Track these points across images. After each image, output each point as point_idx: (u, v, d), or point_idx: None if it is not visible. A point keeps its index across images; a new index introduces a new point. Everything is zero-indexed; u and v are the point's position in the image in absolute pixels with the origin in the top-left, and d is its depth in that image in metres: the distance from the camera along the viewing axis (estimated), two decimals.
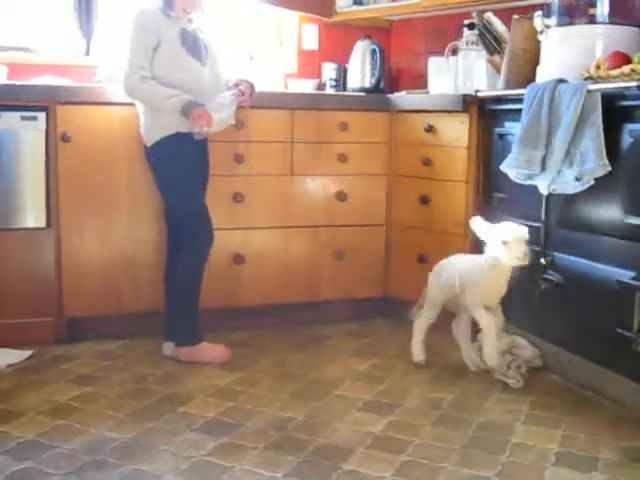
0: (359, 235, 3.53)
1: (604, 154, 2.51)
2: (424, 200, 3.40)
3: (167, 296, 2.98)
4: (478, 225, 2.74)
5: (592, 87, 2.58)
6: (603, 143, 2.52)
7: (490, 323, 2.73)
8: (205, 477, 2.04)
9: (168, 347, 2.99)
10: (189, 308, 2.94)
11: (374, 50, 3.86)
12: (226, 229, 3.27)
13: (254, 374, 2.84)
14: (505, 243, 2.61)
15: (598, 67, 2.69)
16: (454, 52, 3.68)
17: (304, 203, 3.42)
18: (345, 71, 4.03)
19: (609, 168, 2.51)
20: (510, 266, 2.67)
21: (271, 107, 3.34)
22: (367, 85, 3.87)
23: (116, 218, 3.15)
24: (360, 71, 3.90)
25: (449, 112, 3.29)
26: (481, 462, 2.15)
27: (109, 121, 3.10)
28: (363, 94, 3.70)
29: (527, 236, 2.66)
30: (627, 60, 2.59)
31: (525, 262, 2.62)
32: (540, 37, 3.02)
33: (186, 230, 2.90)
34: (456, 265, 2.86)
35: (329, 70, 4.08)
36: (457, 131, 3.28)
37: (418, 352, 2.94)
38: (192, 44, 2.87)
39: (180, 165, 2.86)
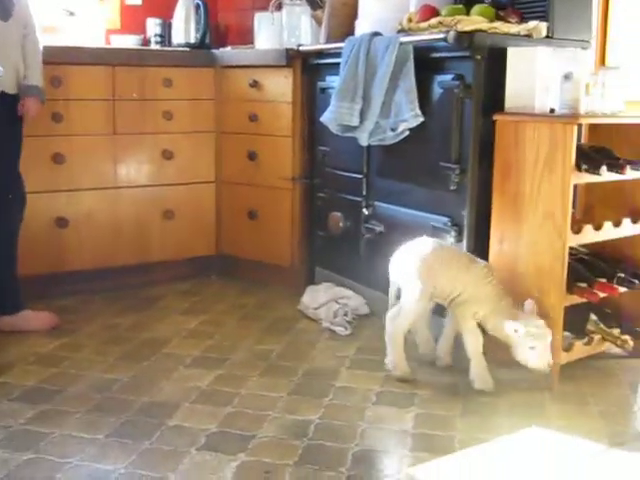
0: (188, 193, 3.48)
1: (417, 104, 2.60)
2: (252, 156, 3.39)
3: None
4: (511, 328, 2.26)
5: (404, 40, 2.66)
6: (416, 94, 2.61)
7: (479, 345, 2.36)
8: (21, 446, 1.95)
9: None
10: (6, 275, 2.79)
11: (198, 5, 3.78)
12: (46, 192, 3.14)
13: (80, 339, 2.76)
14: (533, 349, 2.23)
15: (410, 20, 2.77)
16: (279, 7, 3.68)
17: (129, 162, 3.33)
18: (170, 27, 3.93)
19: (422, 118, 2.60)
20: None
21: (90, 63, 3.20)
22: (192, 41, 3.78)
23: None
24: (184, 27, 3.81)
25: (273, 67, 3.29)
26: (305, 407, 2.20)
27: None
28: (187, 49, 3.62)
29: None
30: (435, 13, 2.69)
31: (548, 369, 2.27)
32: None
33: None
34: (465, 262, 2.37)
35: (153, 26, 3.95)
36: (281, 86, 3.28)
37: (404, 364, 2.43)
38: None
39: None
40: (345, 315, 2.87)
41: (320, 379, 2.41)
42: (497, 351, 2.44)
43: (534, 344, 2.22)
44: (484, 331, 2.37)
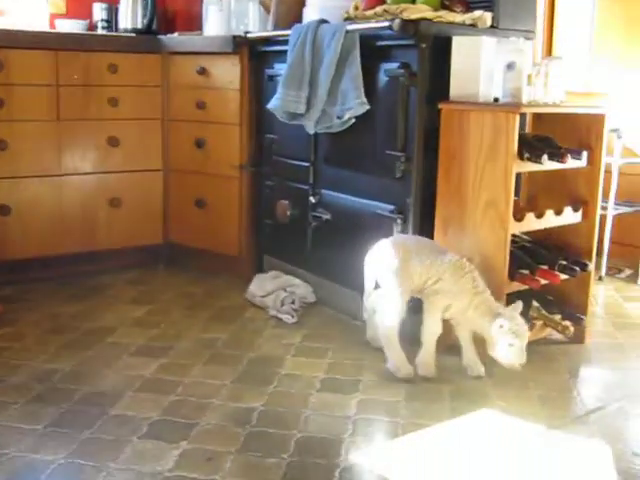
0: (135, 181, 3.44)
1: (362, 92, 2.60)
2: (199, 144, 3.36)
3: None
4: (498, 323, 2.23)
5: (350, 27, 2.65)
6: (362, 82, 2.61)
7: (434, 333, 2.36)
8: None
9: None
10: None
11: None
12: None
13: (22, 328, 2.71)
14: (511, 346, 2.23)
15: (356, 8, 2.77)
16: None
17: (74, 149, 3.27)
18: (117, 11, 3.86)
19: (368, 106, 2.60)
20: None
21: (33, 47, 3.13)
22: (139, 26, 3.73)
23: None
24: (132, 11, 3.76)
25: (220, 54, 3.26)
26: (248, 395, 2.20)
27: None
28: (133, 35, 3.56)
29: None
30: (381, 1, 2.69)
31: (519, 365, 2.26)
32: None
33: None
34: (440, 253, 2.35)
35: (99, 10, 3.89)
36: (229, 73, 3.26)
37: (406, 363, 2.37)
38: None
39: None
40: (292, 303, 2.86)
41: (265, 367, 2.41)
42: (441, 336, 2.46)
43: (513, 342, 2.21)
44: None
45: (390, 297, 2.35)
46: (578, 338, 2.67)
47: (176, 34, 3.63)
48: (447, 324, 2.37)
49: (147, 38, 3.51)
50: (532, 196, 2.80)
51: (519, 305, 2.28)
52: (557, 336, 2.65)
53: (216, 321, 2.83)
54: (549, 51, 4.17)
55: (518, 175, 2.58)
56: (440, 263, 2.32)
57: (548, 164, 2.39)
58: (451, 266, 2.31)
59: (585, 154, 2.52)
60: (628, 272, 3.62)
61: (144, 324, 2.78)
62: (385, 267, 2.37)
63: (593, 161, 2.58)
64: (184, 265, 3.50)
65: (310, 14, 2.97)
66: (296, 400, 2.18)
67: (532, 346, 2.55)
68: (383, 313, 2.37)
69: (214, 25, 3.65)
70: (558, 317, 2.56)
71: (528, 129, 2.80)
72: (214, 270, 3.41)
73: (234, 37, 3.20)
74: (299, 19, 3.05)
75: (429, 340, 2.35)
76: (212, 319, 2.86)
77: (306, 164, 2.98)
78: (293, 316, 2.81)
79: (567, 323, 2.56)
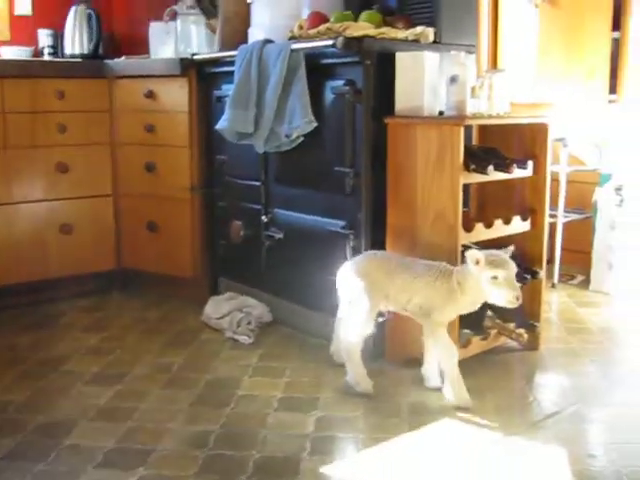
0: (86, 207, 3.40)
1: (310, 110, 2.61)
2: (149, 167, 3.34)
3: None
4: (473, 257, 2.17)
5: (295, 46, 2.67)
6: (309, 100, 2.62)
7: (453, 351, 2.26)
8: None
9: None
10: None
11: (90, 15, 3.71)
12: None
13: None
14: (496, 279, 2.15)
15: (301, 27, 2.80)
16: (174, 16, 3.65)
17: (22, 177, 3.22)
18: (62, 37, 3.84)
19: (315, 124, 2.61)
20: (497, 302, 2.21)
21: None
22: (85, 51, 3.71)
23: None
24: (78, 37, 3.73)
25: (168, 77, 3.25)
26: (206, 417, 2.18)
27: None
28: (79, 60, 3.54)
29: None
30: (325, 20, 2.72)
31: (518, 304, 2.18)
32: None
33: None
34: (411, 269, 2.30)
35: (45, 37, 3.87)
36: (177, 96, 3.25)
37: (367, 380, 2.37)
38: None
39: None
40: (249, 324, 2.85)
41: (222, 389, 2.39)
42: (399, 350, 2.48)
43: (496, 273, 2.13)
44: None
45: (357, 315, 2.33)
46: (532, 345, 2.70)
47: (123, 58, 3.62)
48: (413, 334, 2.37)
49: (93, 63, 3.48)
50: (481, 206, 2.84)
51: (509, 249, 2.24)
52: (512, 344, 2.68)
53: (172, 345, 2.81)
54: (494, 65, 4.24)
55: (467, 186, 2.60)
56: (415, 283, 2.26)
57: (494, 174, 2.42)
58: (426, 283, 2.26)
59: (531, 163, 2.57)
60: (580, 278, 3.68)
61: (99, 351, 2.74)
62: (353, 286, 2.35)
63: (539, 170, 2.62)
64: (138, 290, 3.47)
65: (255, 34, 2.99)
66: (253, 420, 2.16)
67: (488, 355, 2.59)
68: (348, 329, 2.36)
69: (161, 48, 3.65)
70: (512, 325, 2.59)
71: (475, 141, 2.84)
72: (169, 294, 3.39)
73: (181, 59, 3.20)
74: (245, 40, 3.06)
75: (452, 367, 2.26)
76: (168, 343, 2.83)
77: (257, 184, 2.98)
78: (250, 337, 2.80)
79: (521, 331, 2.59)
